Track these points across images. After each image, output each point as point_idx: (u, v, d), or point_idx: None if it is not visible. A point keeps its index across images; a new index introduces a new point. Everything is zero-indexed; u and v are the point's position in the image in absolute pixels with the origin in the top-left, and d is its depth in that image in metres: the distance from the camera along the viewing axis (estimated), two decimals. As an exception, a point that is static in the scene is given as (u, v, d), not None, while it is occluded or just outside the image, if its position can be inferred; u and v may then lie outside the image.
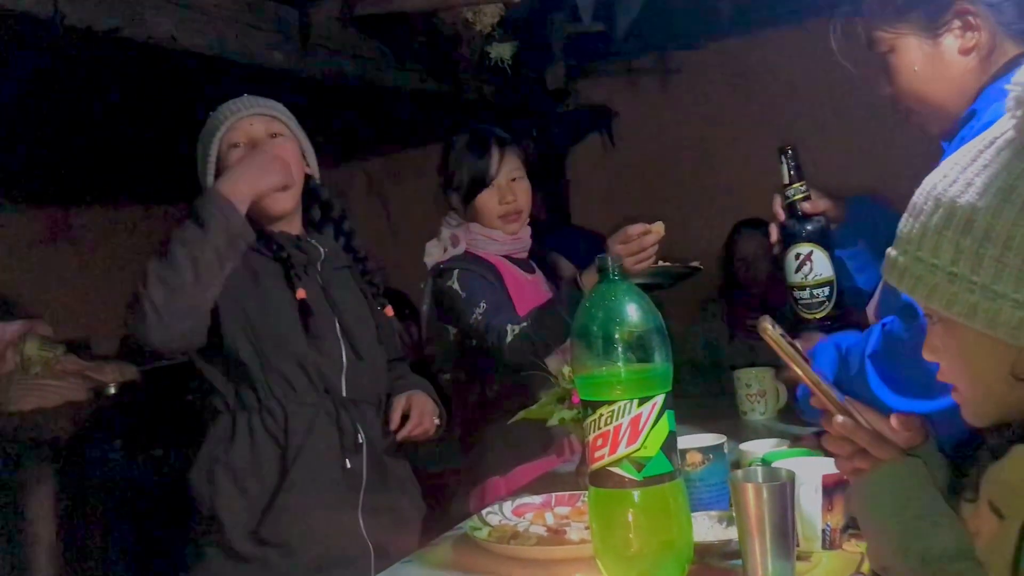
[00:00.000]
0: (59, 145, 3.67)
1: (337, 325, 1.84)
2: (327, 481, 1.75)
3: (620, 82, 4.47)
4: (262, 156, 1.77)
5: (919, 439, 1.06)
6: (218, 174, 1.81)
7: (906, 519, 0.99)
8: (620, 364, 1.27)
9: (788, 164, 1.69)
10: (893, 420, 1.06)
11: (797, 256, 1.68)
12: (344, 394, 1.82)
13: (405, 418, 1.87)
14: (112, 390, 3.45)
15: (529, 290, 2.26)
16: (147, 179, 4.23)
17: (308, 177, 1.92)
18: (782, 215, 1.71)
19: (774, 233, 1.72)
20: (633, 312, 1.28)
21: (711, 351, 3.81)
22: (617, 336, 1.27)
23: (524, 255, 2.33)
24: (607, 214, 4.38)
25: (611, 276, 1.31)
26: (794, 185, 1.68)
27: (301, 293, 1.78)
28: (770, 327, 1.08)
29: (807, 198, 1.69)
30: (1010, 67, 1.40)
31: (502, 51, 3.55)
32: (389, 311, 1.95)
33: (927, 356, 0.98)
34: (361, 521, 1.78)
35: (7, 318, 3.73)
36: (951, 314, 0.89)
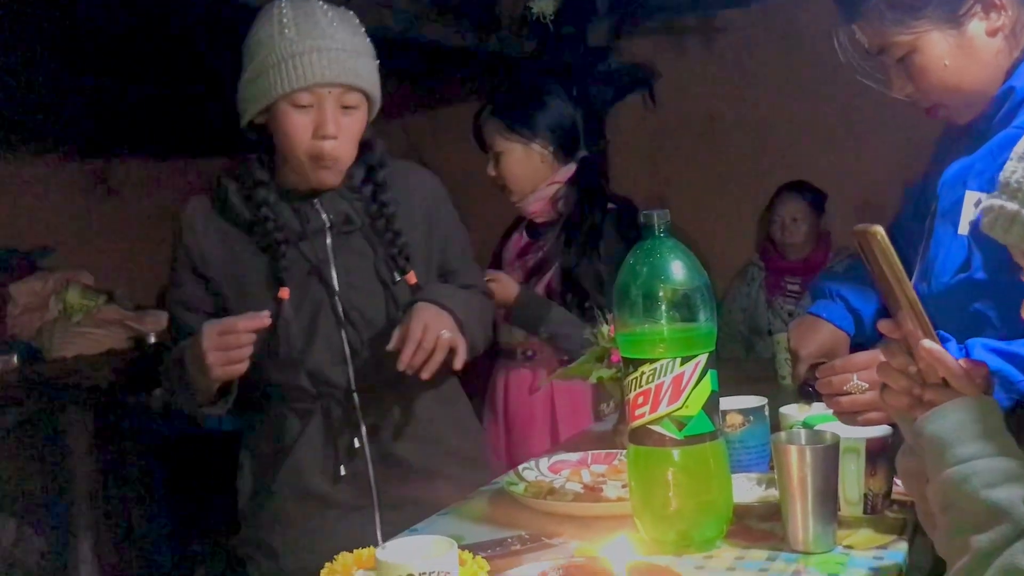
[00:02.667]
0: (98, 96, 3.67)
1: (339, 315, 1.68)
2: (319, 491, 1.70)
3: (664, 41, 4.39)
4: (229, 339, 1.54)
5: (979, 392, 1.00)
6: (264, 121, 1.66)
7: (989, 452, 0.90)
8: (664, 322, 1.25)
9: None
10: (963, 362, 1.00)
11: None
12: (352, 386, 1.70)
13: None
14: (152, 339, 3.50)
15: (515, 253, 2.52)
16: (186, 131, 4.23)
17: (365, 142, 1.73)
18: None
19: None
20: (678, 270, 1.27)
21: (750, 316, 3.79)
22: (661, 294, 1.25)
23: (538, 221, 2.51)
24: (648, 176, 4.34)
25: (657, 232, 1.29)
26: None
27: (284, 293, 1.65)
28: (882, 231, 0.98)
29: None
30: None
31: (544, 6, 3.50)
32: (412, 278, 1.72)
33: None
34: (378, 520, 1.70)
35: (50, 268, 3.79)
36: (1006, 239, 0.89)
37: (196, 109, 3.99)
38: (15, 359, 3.34)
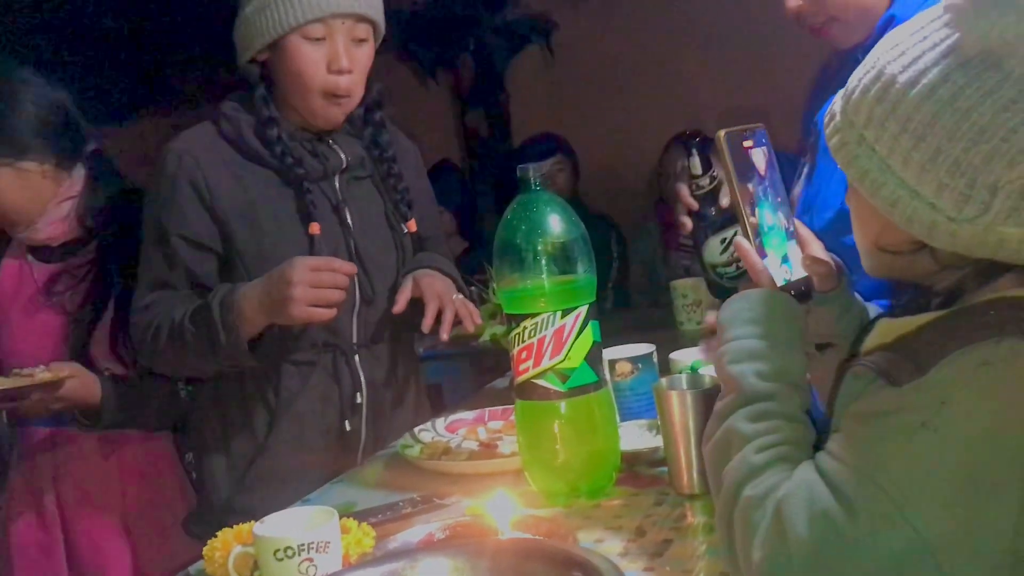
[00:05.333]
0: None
1: (352, 255, 1.65)
2: (320, 446, 1.64)
3: (559, -8, 4.37)
4: (324, 276, 1.48)
5: (831, 284, 1.05)
6: (270, 53, 1.60)
7: (747, 335, 0.97)
8: (543, 276, 1.25)
9: (699, 156, 1.56)
10: (805, 257, 1.05)
11: (723, 240, 1.62)
12: (355, 339, 1.67)
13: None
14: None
15: None
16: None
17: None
18: (694, 204, 1.61)
19: (687, 224, 1.61)
20: (555, 223, 1.26)
21: (649, 269, 3.81)
22: (539, 248, 1.25)
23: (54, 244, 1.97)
24: (548, 127, 4.33)
25: (532, 187, 1.28)
26: (708, 175, 1.56)
27: (315, 228, 1.60)
28: (722, 134, 1.05)
29: (719, 186, 1.58)
30: None
31: (435, -41, 3.44)
32: (412, 226, 1.72)
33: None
34: None
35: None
36: (848, 173, 0.91)
37: (89, 76, 3.83)
38: None
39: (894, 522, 0.78)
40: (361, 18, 1.60)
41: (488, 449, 1.50)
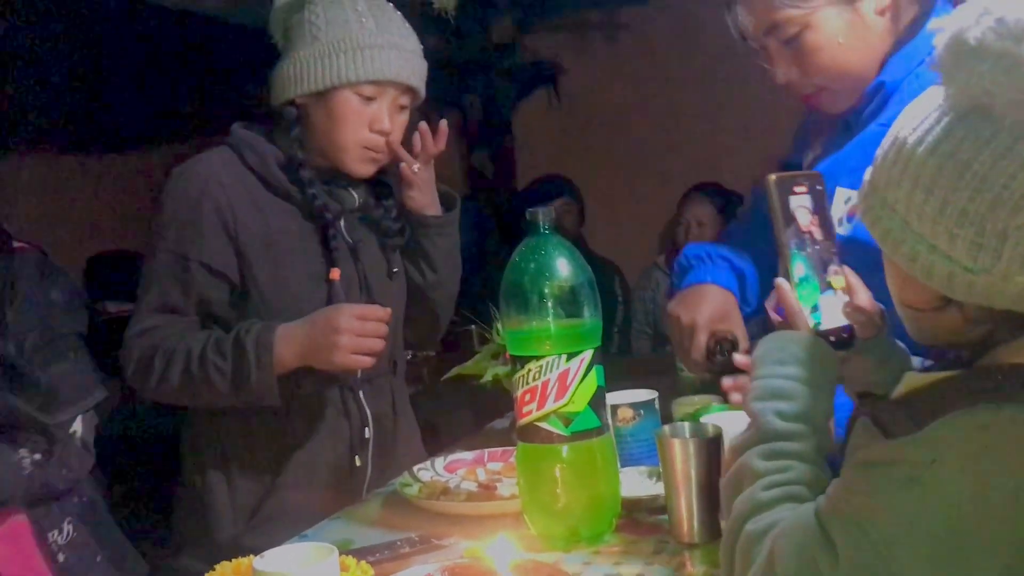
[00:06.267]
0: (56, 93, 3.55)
1: (365, 296, 1.68)
2: (331, 482, 1.64)
3: (568, 37, 4.43)
4: (369, 326, 1.52)
5: (869, 332, 1.07)
6: (313, 98, 1.64)
7: (774, 374, 0.99)
8: (549, 319, 1.25)
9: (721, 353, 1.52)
10: (847, 304, 1.07)
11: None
12: (359, 373, 1.66)
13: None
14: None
15: None
16: (76, 127, 4.12)
17: None
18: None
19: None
20: (563, 266, 1.27)
21: (654, 319, 3.81)
22: (546, 291, 1.25)
23: None
24: (552, 171, 4.36)
25: (541, 229, 1.29)
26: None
27: (335, 274, 1.63)
28: (772, 179, 1.08)
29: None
30: (913, 30, 1.37)
31: (446, 2, 3.48)
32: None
33: None
34: None
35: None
36: (874, 235, 0.93)
37: (91, 104, 3.88)
38: None
39: (876, 573, 0.79)
40: (408, 88, 1.67)
41: (487, 491, 1.49)
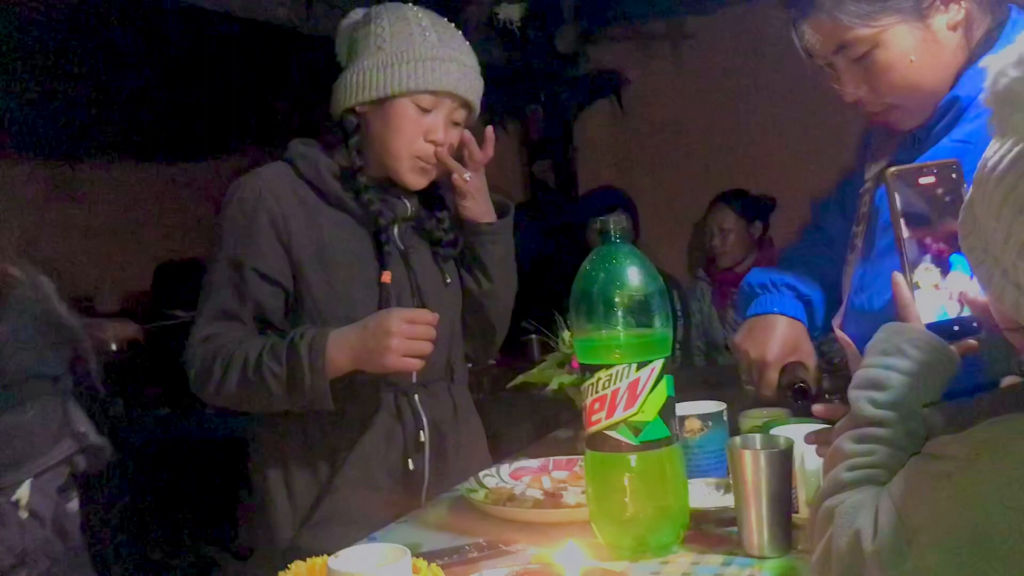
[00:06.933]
0: (63, 100, 3.65)
1: (416, 301, 1.72)
2: (385, 485, 1.67)
3: (631, 47, 4.42)
4: (419, 329, 1.56)
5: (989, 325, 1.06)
6: (372, 107, 1.68)
7: (879, 364, 1.02)
8: (619, 328, 1.25)
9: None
10: (966, 296, 1.06)
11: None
12: (414, 378, 1.70)
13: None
14: (113, 347, 3.45)
15: None
16: (149, 136, 4.22)
17: None
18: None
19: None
20: (634, 275, 1.27)
21: (704, 331, 3.80)
22: (617, 300, 1.25)
23: None
24: (614, 181, 4.35)
25: (612, 238, 1.29)
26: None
27: (387, 277, 1.67)
28: (891, 171, 1.09)
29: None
30: (988, 43, 1.33)
31: (511, 12, 3.51)
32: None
33: None
34: None
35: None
36: (962, 243, 0.94)
37: (158, 113, 3.97)
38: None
39: (904, 556, 0.83)
40: (464, 103, 1.70)
41: (553, 498, 1.50)
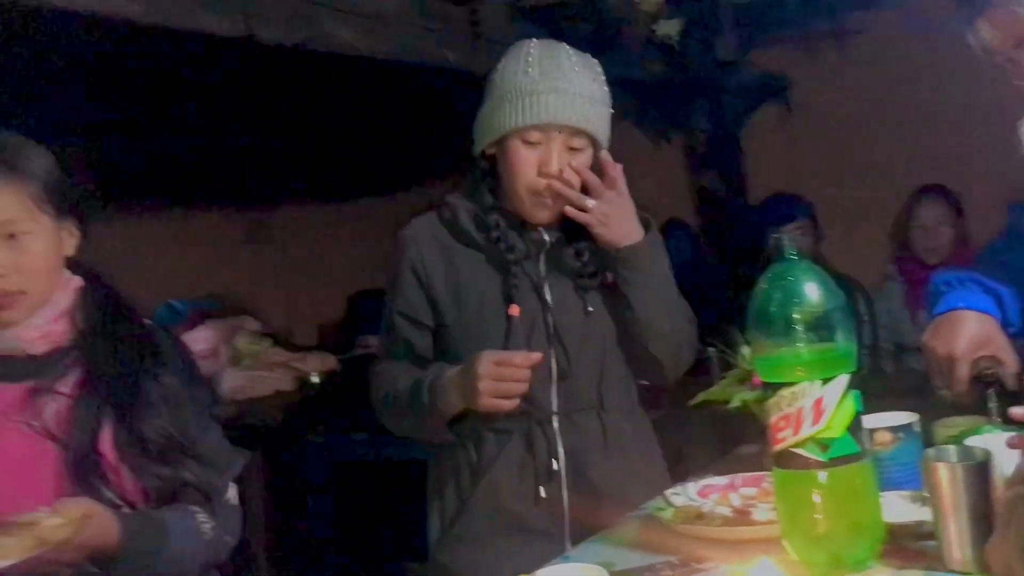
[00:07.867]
0: (255, 152, 3.94)
1: (549, 332, 1.75)
2: (516, 511, 1.74)
3: (795, 49, 4.33)
4: (505, 371, 1.62)
5: None
6: (496, 148, 1.76)
7: None
8: (801, 345, 1.25)
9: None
10: None
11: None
12: (554, 408, 1.75)
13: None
14: (315, 378, 3.69)
15: None
16: (335, 180, 4.49)
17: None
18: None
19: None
20: (812, 292, 1.27)
21: (894, 332, 3.63)
22: (796, 316, 1.25)
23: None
24: (784, 185, 4.26)
25: (787, 255, 1.30)
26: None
27: (514, 310, 1.73)
28: None
29: None
30: None
31: (669, 28, 3.52)
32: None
33: None
34: (568, 547, 1.67)
35: (219, 317, 4.06)
36: None
37: (343, 159, 4.22)
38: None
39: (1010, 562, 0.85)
40: (577, 131, 1.71)
41: (742, 516, 1.51)
